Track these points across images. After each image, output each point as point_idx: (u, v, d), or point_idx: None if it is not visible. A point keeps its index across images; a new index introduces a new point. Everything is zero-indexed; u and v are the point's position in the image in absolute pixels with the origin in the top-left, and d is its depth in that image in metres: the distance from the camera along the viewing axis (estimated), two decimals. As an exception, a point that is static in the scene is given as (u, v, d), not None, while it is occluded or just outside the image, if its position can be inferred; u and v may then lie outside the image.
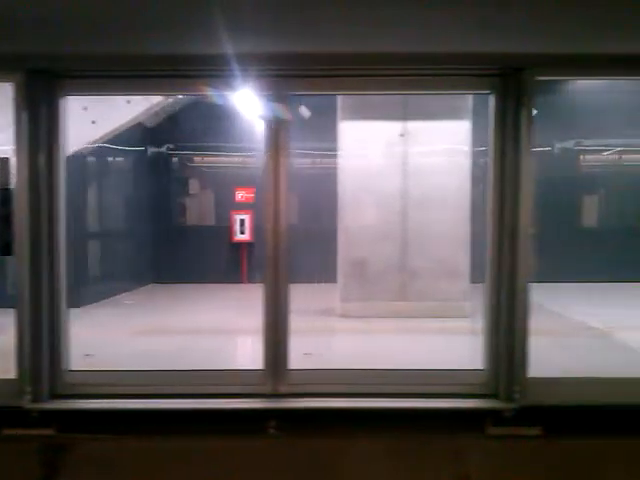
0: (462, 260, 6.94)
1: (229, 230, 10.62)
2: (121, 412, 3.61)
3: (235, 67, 3.51)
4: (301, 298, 8.41)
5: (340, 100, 6.78)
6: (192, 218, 10.89)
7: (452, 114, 6.72)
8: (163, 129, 10.53)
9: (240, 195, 10.67)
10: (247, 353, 5.51)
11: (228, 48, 3.28)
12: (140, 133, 10.00)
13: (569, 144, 10.60)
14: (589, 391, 3.63)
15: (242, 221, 10.53)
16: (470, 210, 6.93)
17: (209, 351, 5.02)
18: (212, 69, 3.63)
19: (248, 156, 10.52)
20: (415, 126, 6.74)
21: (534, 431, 3.57)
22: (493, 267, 3.75)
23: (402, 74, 3.73)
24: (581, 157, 10.69)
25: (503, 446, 3.58)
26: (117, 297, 8.96)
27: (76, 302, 7.76)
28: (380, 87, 4.03)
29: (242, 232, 10.56)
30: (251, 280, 10.64)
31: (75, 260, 8.19)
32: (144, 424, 3.60)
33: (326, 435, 3.61)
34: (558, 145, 10.52)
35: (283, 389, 3.73)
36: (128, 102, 7.59)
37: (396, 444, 3.62)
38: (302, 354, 4.41)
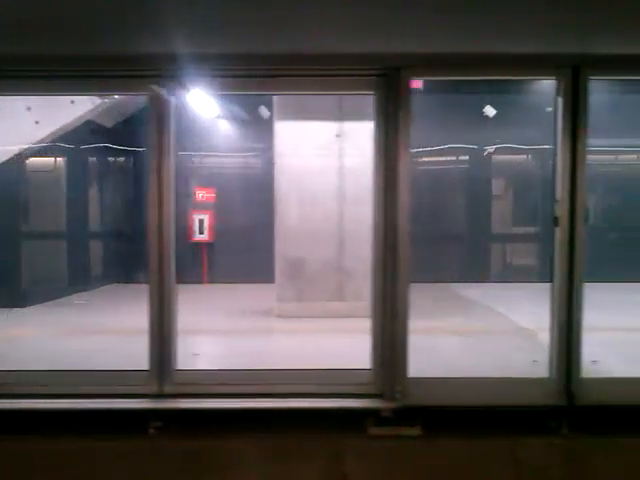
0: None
1: (188, 230, 10.61)
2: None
3: (179, 67, 3.53)
4: (247, 298, 8.54)
5: (276, 101, 6.79)
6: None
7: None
8: (122, 129, 10.52)
9: (200, 195, 10.66)
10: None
11: (171, 48, 3.30)
12: (98, 133, 10.02)
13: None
14: (467, 392, 3.64)
15: (201, 221, 10.53)
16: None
17: (125, 351, 5.00)
18: (155, 69, 3.63)
19: (207, 156, 10.54)
20: (351, 127, 6.74)
21: (414, 431, 3.58)
22: (377, 268, 3.77)
23: (292, 74, 3.73)
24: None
25: (383, 446, 3.59)
26: (71, 297, 8.95)
27: (22, 302, 7.84)
28: (275, 88, 4.05)
29: (201, 232, 10.55)
30: (211, 280, 10.64)
31: (23, 260, 8.33)
32: (23, 424, 3.61)
33: (208, 436, 3.62)
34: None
35: (169, 389, 3.73)
36: (72, 102, 7.59)
37: (278, 444, 3.62)
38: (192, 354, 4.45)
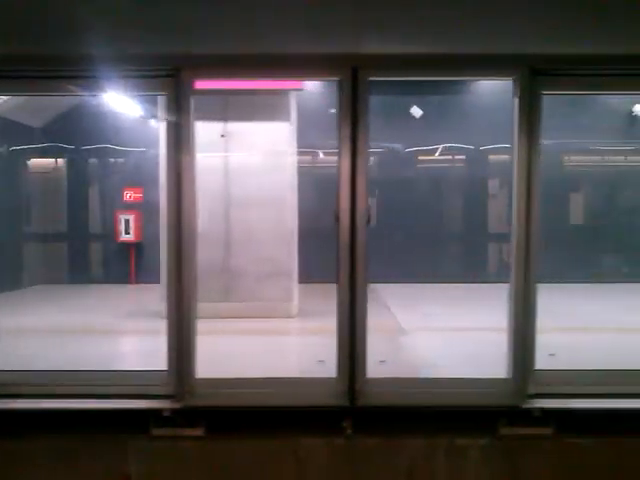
0: (286, 260, 6.95)
1: (115, 230, 10.61)
2: None
3: (101, 68, 3.53)
4: (159, 299, 8.52)
5: (159, 101, 6.77)
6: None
7: (273, 115, 6.73)
8: (52, 129, 10.52)
9: (128, 195, 10.66)
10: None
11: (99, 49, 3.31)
12: (23, 133, 10.04)
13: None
14: (253, 393, 3.64)
15: (127, 221, 10.52)
16: (297, 210, 6.96)
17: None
18: (79, 70, 3.62)
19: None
20: (236, 127, 6.74)
21: (197, 432, 3.58)
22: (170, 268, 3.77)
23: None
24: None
25: (166, 446, 3.59)
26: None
27: None
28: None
29: (127, 232, 10.54)
30: (139, 280, 10.63)
31: None
32: None
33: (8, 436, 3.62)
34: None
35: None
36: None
37: (68, 445, 3.62)
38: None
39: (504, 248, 10.42)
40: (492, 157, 10.68)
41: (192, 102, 3.62)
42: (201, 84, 3.85)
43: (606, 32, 3.25)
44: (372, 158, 10.63)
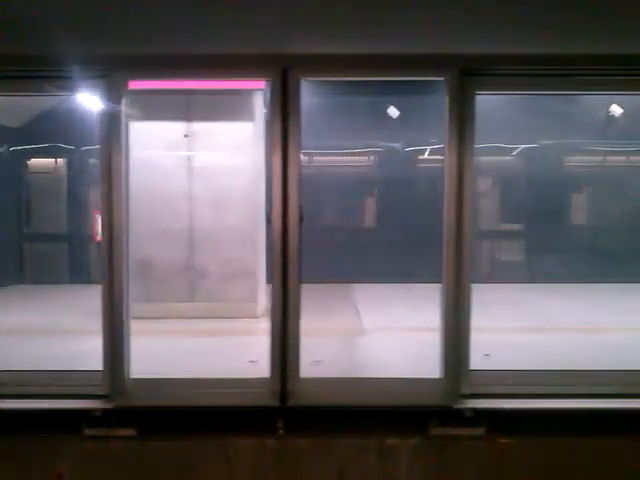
0: (252, 260, 6.94)
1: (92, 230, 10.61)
2: None
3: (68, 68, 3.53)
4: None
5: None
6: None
7: (236, 115, 6.73)
8: (29, 129, 10.52)
9: (106, 195, 10.64)
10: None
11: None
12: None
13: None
14: (184, 393, 3.64)
15: (104, 221, 10.51)
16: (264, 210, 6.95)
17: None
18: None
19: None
20: (200, 127, 6.74)
21: (128, 432, 3.58)
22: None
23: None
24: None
25: (98, 446, 3.59)
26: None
27: None
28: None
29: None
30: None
31: None
32: None
33: None
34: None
35: None
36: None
37: (6, 446, 3.62)
38: None
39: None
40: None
41: (124, 102, 3.62)
42: (140, 84, 3.88)
43: (542, 32, 3.24)
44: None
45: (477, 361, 3.81)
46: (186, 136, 6.74)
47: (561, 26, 3.16)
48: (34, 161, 10.98)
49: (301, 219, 3.58)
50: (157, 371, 3.89)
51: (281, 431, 3.57)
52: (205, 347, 5.56)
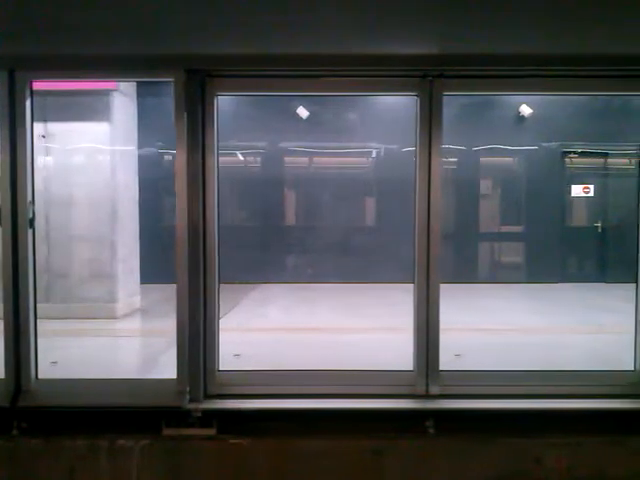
0: (109, 261, 6.93)
1: None
2: None
3: None
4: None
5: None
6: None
7: (93, 116, 6.71)
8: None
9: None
10: None
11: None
12: None
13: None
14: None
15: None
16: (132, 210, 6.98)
17: None
18: None
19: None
20: (57, 127, 6.72)
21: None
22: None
23: None
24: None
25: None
26: None
27: None
28: None
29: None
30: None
31: None
32: None
33: None
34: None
35: None
36: None
37: None
38: None
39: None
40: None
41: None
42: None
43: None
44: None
45: (228, 361, 3.84)
46: (43, 136, 6.72)
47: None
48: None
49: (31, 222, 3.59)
50: None
51: (15, 432, 3.55)
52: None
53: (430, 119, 3.62)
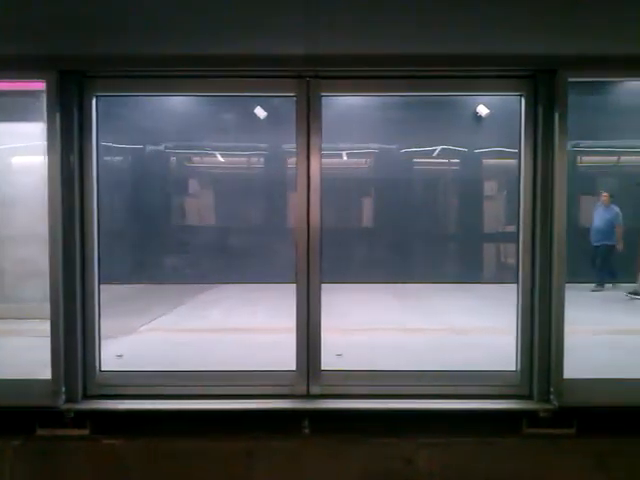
0: (45, 260, 6.91)
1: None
2: None
3: None
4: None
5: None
6: None
7: (27, 116, 6.72)
8: None
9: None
10: None
11: None
12: None
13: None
14: None
15: None
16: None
17: None
18: None
19: None
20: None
21: None
22: None
23: None
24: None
25: None
26: None
27: None
28: None
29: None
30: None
31: None
32: None
33: None
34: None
35: None
36: None
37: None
38: None
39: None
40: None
41: None
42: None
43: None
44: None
45: (109, 362, 3.83)
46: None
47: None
48: None
49: None
50: None
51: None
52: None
53: (308, 120, 3.62)
